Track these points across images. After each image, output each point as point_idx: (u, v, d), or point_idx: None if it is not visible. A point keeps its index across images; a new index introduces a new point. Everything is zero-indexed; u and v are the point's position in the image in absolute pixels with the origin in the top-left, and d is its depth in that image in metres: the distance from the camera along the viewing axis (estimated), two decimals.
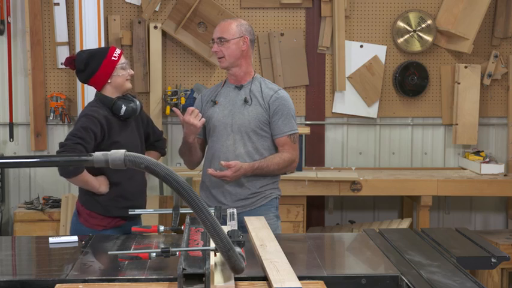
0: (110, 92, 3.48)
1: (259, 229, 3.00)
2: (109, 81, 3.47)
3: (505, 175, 5.05)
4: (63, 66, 5.08)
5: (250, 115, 3.51)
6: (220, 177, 3.44)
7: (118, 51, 3.51)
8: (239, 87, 3.57)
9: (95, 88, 3.53)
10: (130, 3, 5.13)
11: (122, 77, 3.48)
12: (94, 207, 3.45)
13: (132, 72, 3.54)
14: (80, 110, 4.85)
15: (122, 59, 3.51)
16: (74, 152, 3.24)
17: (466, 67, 5.23)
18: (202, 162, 3.69)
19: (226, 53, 3.50)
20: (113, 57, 3.46)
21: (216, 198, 3.53)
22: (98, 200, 3.44)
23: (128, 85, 3.52)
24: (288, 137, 3.53)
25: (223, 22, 3.55)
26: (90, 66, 3.46)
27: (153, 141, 3.77)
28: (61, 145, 3.33)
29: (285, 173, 3.93)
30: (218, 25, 3.55)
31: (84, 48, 4.84)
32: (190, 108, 3.43)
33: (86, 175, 3.38)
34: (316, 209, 5.30)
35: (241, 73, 3.56)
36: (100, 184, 3.43)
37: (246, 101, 3.52)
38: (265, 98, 3.53)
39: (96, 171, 3.44)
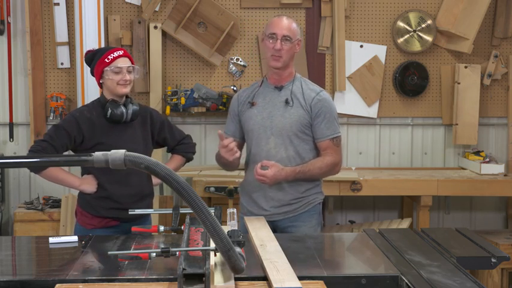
0: (106, 92, 3.50)
1: (259, 229, 3.00)
2: (101, 81, 3.49)
3: (505, 175, 5.05)
4: (63, 66, 5.09)
5: (292, 117, 3.39)
6: (261, 177, 3.31)
7: (116, 54, 3.45)
8: (279, 88, 3.46)
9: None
10: (130, 3, 5.13)
11: (111, 80, 3.43)
12: (85, 206, 3.50)
13: (127, 77, 3.45)
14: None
15: (118, 63, 3.43)
16: (37, 149, 3.33)
17: (466, 67, 5.23)
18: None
19: (287, 54, 3.39)
20: (106, 59, 3.43)
21: (258, 204, 3.45)
22: (86, 199, 3.49)
23: (120, 90, 3.45)
24: (331, 141, 3.42)
25: (286, 20, 3.41)
26: (92, 63, 3.52)
27: (174, 145, 3.74)
28: (34, 141, 3.47)
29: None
30: (280, 21, 3.40)
31: (84, 49, 4.86)
32: (226, 141, 3.31)
33: (56, 172, 3.42)
34: None
35: (286, 74, 3.46)
36: (82, 183, 3.45)
37: (287, 102, 3.40)
38: (307, 99, 3.41)
39: (85, 170, 3.50)
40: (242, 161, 3.59)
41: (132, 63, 3.52)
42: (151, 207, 3.66)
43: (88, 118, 3.44)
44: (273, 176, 3.30)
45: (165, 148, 3.81)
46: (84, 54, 3.66)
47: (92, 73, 3.55)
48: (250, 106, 3.47)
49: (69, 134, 3.38)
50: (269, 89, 3.48)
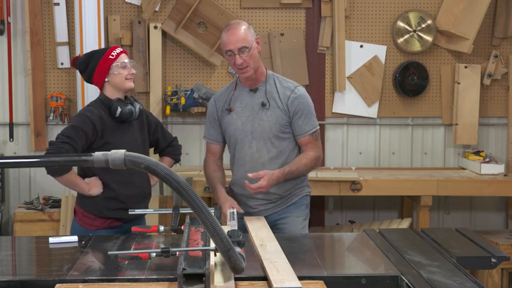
0: (110, 92, 3.48)
1: (259, 229, 3.00)
2: (106, 79, 3.47)
3: (505, 175, 5.05)
4: (63, 66, 5.08)
5: (270, 120, 3.38)
6: (257, 189, 3.29)
7: (118, 50, 3.48)
8: (254, 90, 3.43)
9: (98, 88, 3.55)
10: (130, 3, 5.13)
11: (119, 76, 3.44)
12: (87, 207, 3.47)
13: (133, 71, 3.48)
14: (80, 110, 4.85)
15: (122, 58, 3.46)
16: (60, 151, 3.25)
17: (466, 67, 5.23)
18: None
19: (251, 61, 3.32)
20: (110, 56, 3.44)
21: (247, 204, 3.47)
22: (90, 200, 3.46)
23: (128, 84, 3.47)
24: (311, 136, 3.44)
25: (236, 30, 3.31)
26: (89, 65, 3.49)
27: (164, 147, 3.76)
28: (50, 143, 3.40)
29: None
30: (230, 34, 3.31)
31: (84, 49, 4.86)
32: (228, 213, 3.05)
33: (73, 176, 3.39)
34: (316, 209, 5.29)
35: (257, 75, 3.41)
36: (90, 187, 3.43)
37: (263, 104, 3.39)
38: (283, 99, 3.39)
39: (88, 172, 3.46)
40: (226, 161, 3.65)
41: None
42: (148, 208, 3.66)
43: (100, 117, 3.42)
44: (267, 184, 3.30)
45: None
46: (71, 61, 3.62)
47: (89, 77, 3.50)
48: (229, 112, 3.46)
49: (87, 135, 3.35)
50: (244, 92, 3.46)
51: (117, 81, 3.46)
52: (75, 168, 3.45)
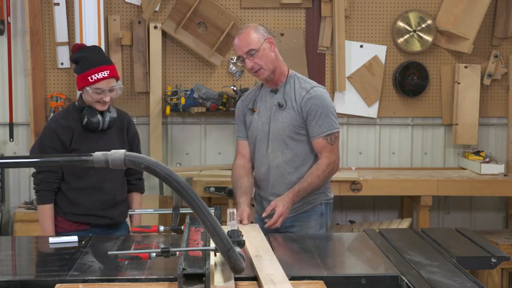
0: (85, 98, 3.48)
1: (254, 238, 2.88)
2: (80, 92, 3.48)
3: (505, 175, 5.05)
4: (63, 66, 5.09)
5: (285, 121, 3.32)
6: (278, 219, 3.17)
7: (100, 75, 3.38)
8: (275, 91, 3.38)
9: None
10: (130, 3, 5.13)
11: (91, 99, 3.42)
12: (57, 209, 3.50)
13: (107, 99, 3.40)
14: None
15: (101, 85, 3.38)
16: (43, 181, 3.43)
17: (466, 67, 5.23)
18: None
19: (263, 62, 3.29)
20: (89, 78, 3.39)
21: (263, 205, 3.41)
22: (58, 203, 3.49)
23: (99, 108, 3.43)
24: (324, 139, 3.29)
25: (242, 35, 3.31)
26: (76, 67, 3.48)
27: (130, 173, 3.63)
28: (33, 175, 3.55)
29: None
30: (237, 40, 3.31)
31: None
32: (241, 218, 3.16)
33: (46, 213, 3.47)
34: None
35: (277, 75, 3.36)
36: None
37: (280, 105, 3.33)
38: (297, 99, 3.31)
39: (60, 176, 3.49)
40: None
41: (117, 78, 3.46)
42: (126, 214, 3.59)
43: (65, 126, 3.43)
44: (283, 207, 3.19)
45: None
46: (72, 47, 3.61)
47: (75, 71, 3.50)
48: (252, 112, 3.45)
49: (56, 150, 3.39)
50: (267, 93, 3.43)
51: (87, 99, 3.45)
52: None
